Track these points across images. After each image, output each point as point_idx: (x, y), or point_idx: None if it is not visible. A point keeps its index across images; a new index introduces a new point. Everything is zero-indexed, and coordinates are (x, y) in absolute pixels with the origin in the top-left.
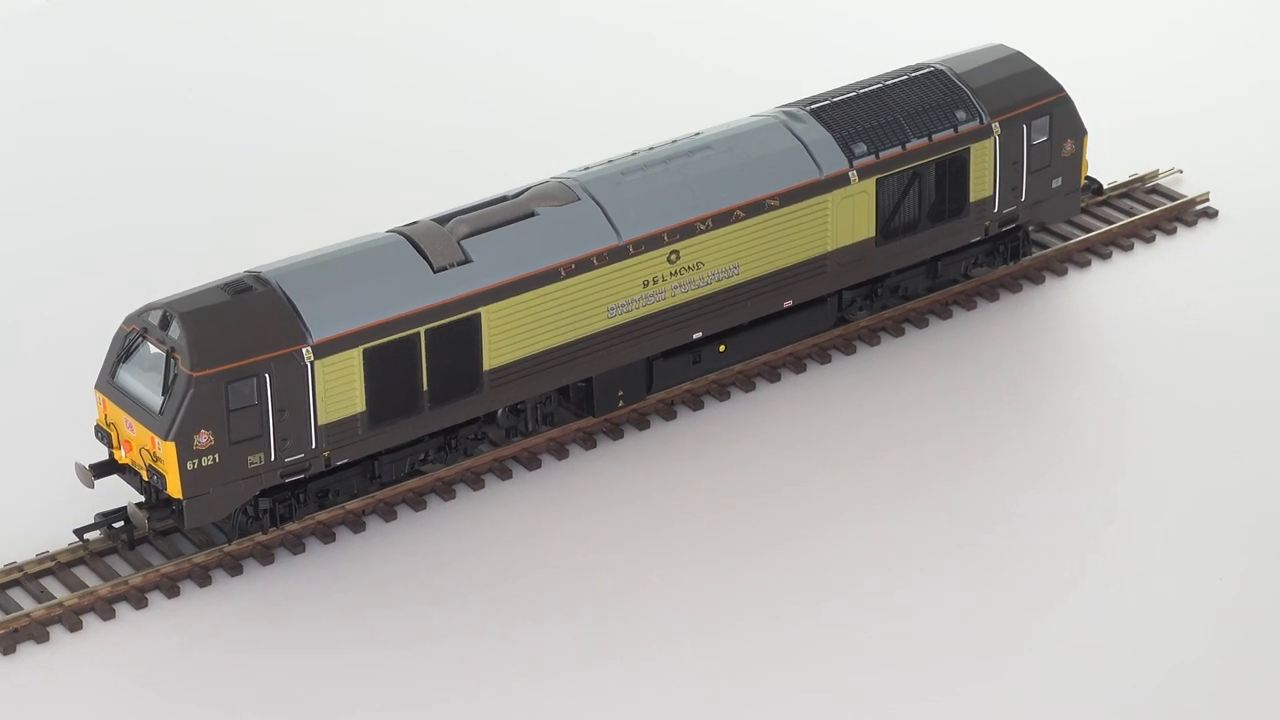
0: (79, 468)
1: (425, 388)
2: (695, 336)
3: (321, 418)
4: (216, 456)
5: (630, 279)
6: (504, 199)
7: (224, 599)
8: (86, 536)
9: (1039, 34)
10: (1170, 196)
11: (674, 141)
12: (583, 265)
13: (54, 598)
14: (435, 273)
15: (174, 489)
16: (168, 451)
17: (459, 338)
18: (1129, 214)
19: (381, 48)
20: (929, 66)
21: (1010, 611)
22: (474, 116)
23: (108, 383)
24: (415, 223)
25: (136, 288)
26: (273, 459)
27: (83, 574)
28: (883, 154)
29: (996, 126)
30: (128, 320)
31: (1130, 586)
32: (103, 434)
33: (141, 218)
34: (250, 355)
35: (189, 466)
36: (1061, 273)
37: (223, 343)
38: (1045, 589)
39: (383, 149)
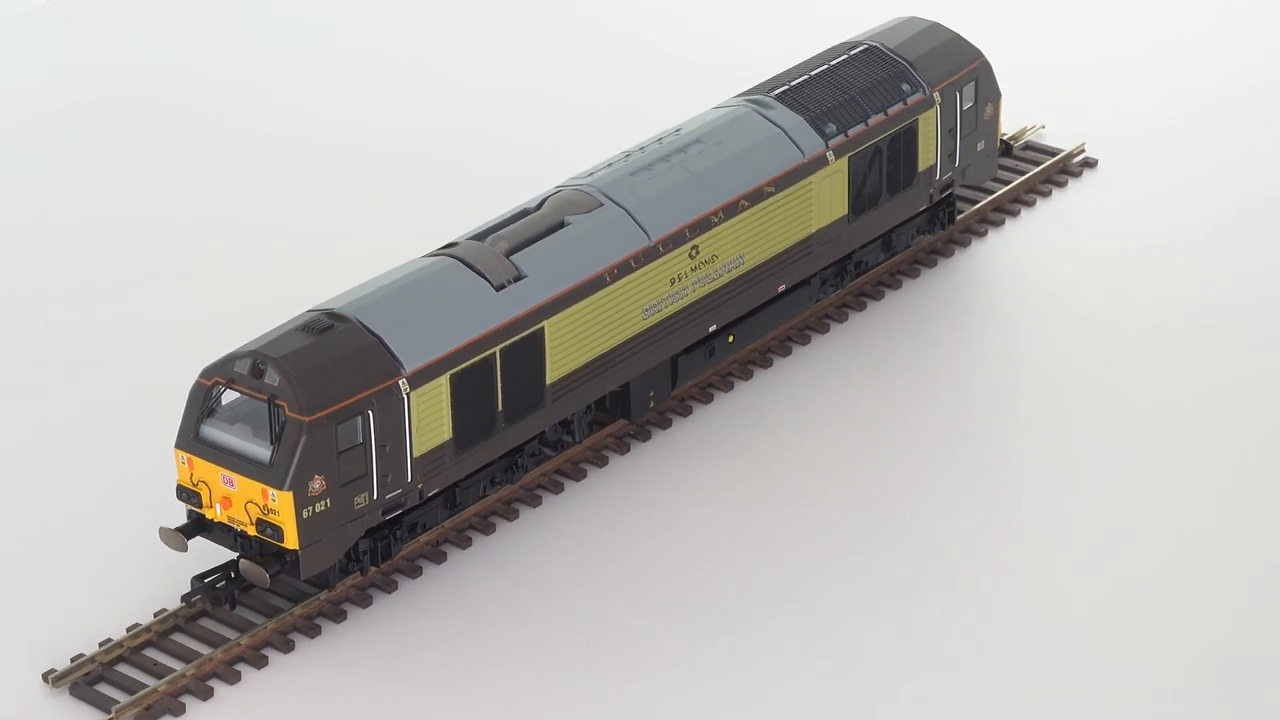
0: (166, 532)
1: (500, 408)
2: (711, 329)
3: (416, 449)
4: (328, 501)
5: (660, 278)
6: (525, 211)
7: (340, 646)
8: (192, 600)
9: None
10: (1047, 152)
11: (660, 140)
12: (623, 269)
13: (172, 669)
14: (497, 291)
15: (290, 540)
16: (284, 502)
17: (526, 354)
18: (1018, 172)
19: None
20: (862, 44)
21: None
22: (450, 116)
23: (192, 440)
24: (454, 243)
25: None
26: (375, 497)
27: (184, 641)
28: (850, 132)
29: (937, 96)
30: (205, 373)
31: (1147, 532)
32: (189, 494)
33: (127, 236)
34: (354, 394)
35: (304, 515)
36: (982, 234)
37: (326, 384)
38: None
39: (353, 149)
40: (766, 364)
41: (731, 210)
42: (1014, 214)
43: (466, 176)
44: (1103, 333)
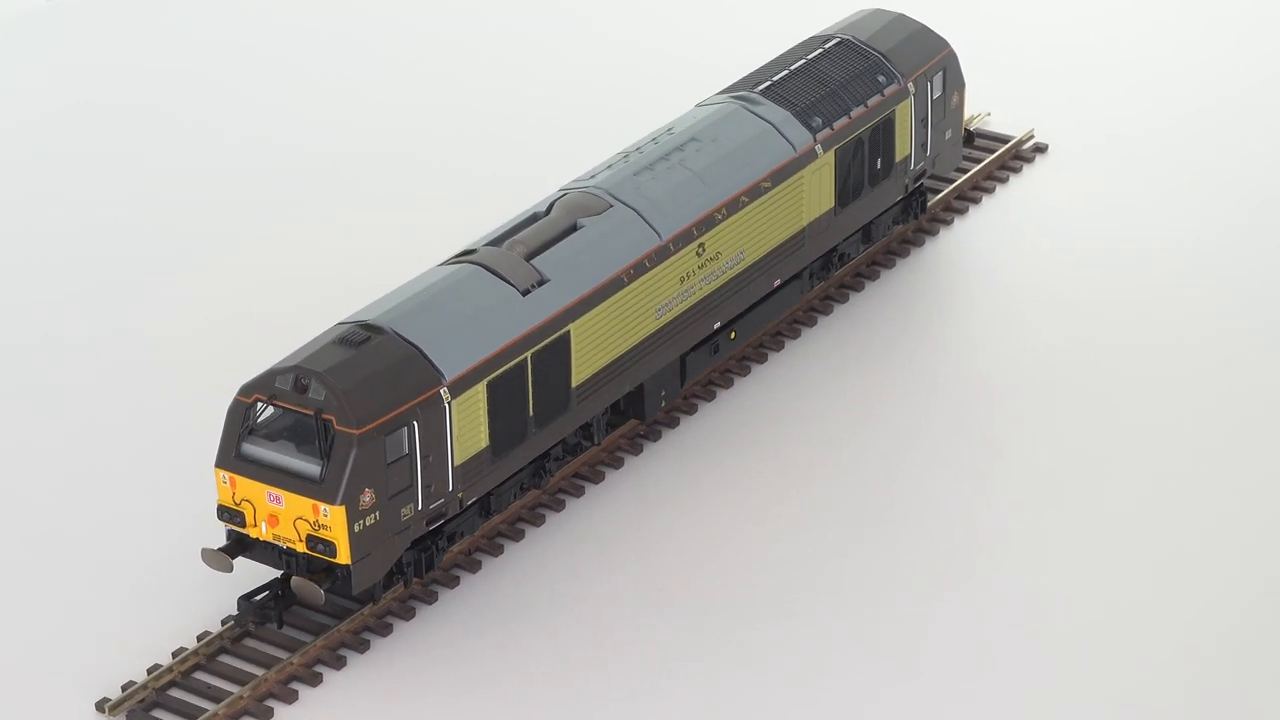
0: (209, 554)
1: (531, 413)
2: (716, 326)
3: (456, 458)
4: (378, 514)
5: (671, 277)
6: (535, 216)
7: (392, 659)
8: (243, 621)
9: None
10: (997, 139)
11: (655, 139)
12: (638, 269)
13: (226, 692)
14: (524, 296)
15: (343, 555)
16: (337, 517)
17: (554, 357)
18: (974, 160)
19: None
20: (834, 37)
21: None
22: (440, 117)
23: (234, 459)
24: (472, 250)
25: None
26: (420, 508)
27: (232, 662)
28: (835, 125)
29: (912, 86)
30: (244, 390)
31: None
32: (231, 513)
33: (127, 239)
34: (399, 405)
35: (356, 529)
36: (948, 222)
37: (372, 396)
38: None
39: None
40: (762, 359)
41: (733, 207)
42: (976, 201)
43: (463, 177)
44: (1076, 316)
